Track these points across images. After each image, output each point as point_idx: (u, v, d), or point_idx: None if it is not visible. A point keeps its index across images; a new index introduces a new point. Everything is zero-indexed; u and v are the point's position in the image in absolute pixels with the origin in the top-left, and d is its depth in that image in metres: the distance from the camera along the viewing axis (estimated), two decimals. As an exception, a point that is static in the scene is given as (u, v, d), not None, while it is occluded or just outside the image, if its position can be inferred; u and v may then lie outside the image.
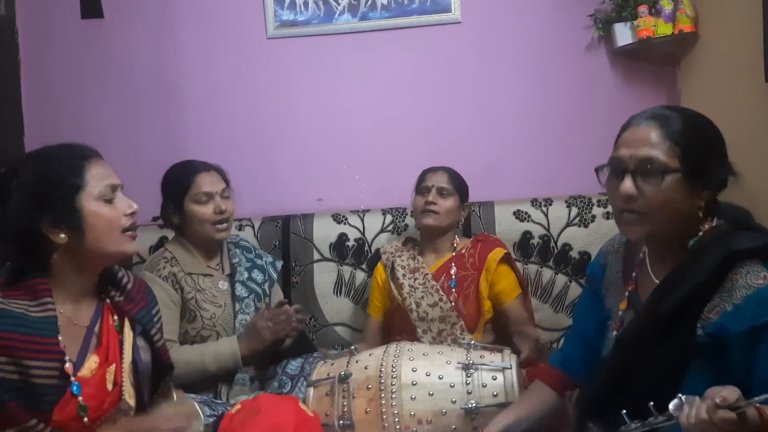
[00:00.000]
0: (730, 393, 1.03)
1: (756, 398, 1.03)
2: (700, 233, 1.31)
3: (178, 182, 2.12)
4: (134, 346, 1.46)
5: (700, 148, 1.29)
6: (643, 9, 2.44)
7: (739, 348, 1.21)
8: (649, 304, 1.32)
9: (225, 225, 2.11)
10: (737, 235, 1.27)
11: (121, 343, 1.44)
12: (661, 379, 1.15)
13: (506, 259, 2.24)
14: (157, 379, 1.54)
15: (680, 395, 1.09)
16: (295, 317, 2.03)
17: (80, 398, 1.33)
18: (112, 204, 1.39)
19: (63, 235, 1.34)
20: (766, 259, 1.23)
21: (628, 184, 1.29)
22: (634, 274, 1.44)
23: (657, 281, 1.35)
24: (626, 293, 1.43)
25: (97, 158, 1.42)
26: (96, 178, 1.37)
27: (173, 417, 1.40)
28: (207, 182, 2.10)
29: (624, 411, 1.18)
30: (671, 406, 1.09)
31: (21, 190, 1.33)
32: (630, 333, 1.35)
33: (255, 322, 2.03)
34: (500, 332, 2.25)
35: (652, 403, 1.12)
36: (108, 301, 1.47)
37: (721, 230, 1.30)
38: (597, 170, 1.38)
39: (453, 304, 2.16)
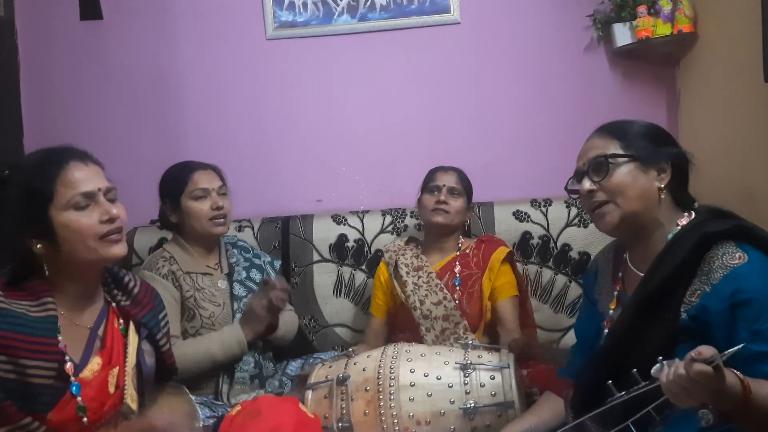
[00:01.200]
0: (705, 348, 1.06)
1: (728, 350, 1.06)
2: (678, 227, 1.39)
3: (176, 180, 2.14)
4: (139, 350, 1.46)
5: (641, 135, 1.43)
6: (642, 9, 2.43)
7: (720, 327, 1.26)
8: (635, 292, 1.39)
9: (222, 220, 2.12)
10: (712, 221, 1.36)
11: (125, 346, 1.44)
12: (649, 366, 1.16)
13: (508, 259, 2.25)
14: (160, 383, 1.54)
15: (661, 358, 1.12)
16: (279, 286, 2.03)
17: (79, 399, 1.33)
18: (87, 211, 1.35)
19: (40, 246, 1.33)
20: (739, 240, 1.31)
21: (585, 183, 1.43)
22: (620, 274, 1.50)
23: (641, 274, 1.41)
24: (615, 293, 1.49)
25: (76, 162, 1.37)
26: (67, 186, 1.33)
27: (172, 417, 1.39)
28: (204, 179, 2.12)
29: (610, 381, 1.20)
30: (653, 370, 1.12)
31: (6, 200, 1.33)
32: (618, 323, 1.41)
33: (249, 303, 2.06)
34: (494, 329, 2.24)
35: (635, 369, 1.15)
36: (114, 305, 1.47)
37: (696, 220, 1.38)
38: (567, 191, 1.52)
39: (457, 302, 2.17)
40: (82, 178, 1.36)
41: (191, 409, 1.46)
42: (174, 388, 1.54)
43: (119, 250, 1.39)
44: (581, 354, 1.61)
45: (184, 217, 2.12)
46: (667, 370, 1.10)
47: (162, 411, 1.39)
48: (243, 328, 2.04)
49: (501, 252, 2.23)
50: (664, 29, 2.41)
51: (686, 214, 1.41)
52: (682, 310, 1.31)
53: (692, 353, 1.06)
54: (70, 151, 1.40)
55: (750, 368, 1.16)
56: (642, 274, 1.41)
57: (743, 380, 1.10)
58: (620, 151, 1.40)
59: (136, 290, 1.50)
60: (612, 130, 1.45)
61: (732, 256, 1.29)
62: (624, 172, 1.39)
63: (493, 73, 2.69)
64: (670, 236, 1.38)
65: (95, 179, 1.38)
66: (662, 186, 1.39)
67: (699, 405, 1.08)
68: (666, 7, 2.40)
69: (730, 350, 1.06)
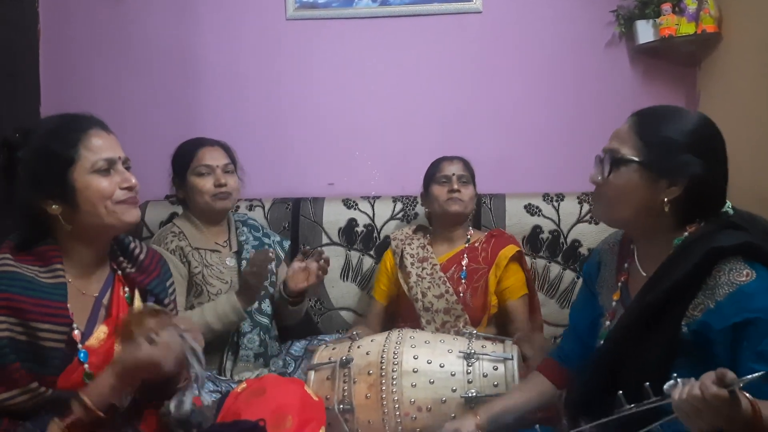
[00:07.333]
0: (724, 371, 1.04)
1: (750, 376, 1.03)
2: (686, 233, 1.33)
3: (183, 156, 2.17)
4: None
5: (669, 140, 1.32)
6: (666, 7, 2.41)
7: (722, 345, 1.22)
8: (637, 298, 1.36)
9: (224, 196, 2.12)
10: (721, 233, 1.29)
11: None
12: (646, 376, 1.15)
13: (517, 258, 2.24)
14: None
15: (676, 375, 1.10)
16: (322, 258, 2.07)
17: (86, 366, 1.34)
18: (109, 176, 1.38)
19: (56, 207, 1.35)
20: (749, 257, 1.25)
21: (592, 172, 1.41)
22: (626, 265, 1.47)
23: (644, 274, 1.38)
24: (618, 284, 1.46)
25: (98, 129, 1.41)
26: (91, 151, 1.37)
27: (168, 342, 1.30)
28: (209, 156, 2.14)
29: (621, 392, 1.18)
30: (666, 386, 1.10)
31: (23, 160, 1.35)
32: (618, 327, 1.38)
33: (243, 271, 2.05)
34: (502, 328, 2.24)
35: (648, 383, 1.13)
36: (120, 273, 1.48)
37: (706, 229, 1.32)
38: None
39: (461, 295, 2.17)
40: (104, 145, 1.40)
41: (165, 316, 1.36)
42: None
43: (136, 213, 1.44)
44: (571, 339, 1.61)
45: (189, 192, 2.14)
46: (680, 388, 1.07)
47: (147, 337, 1.28)
48: (239, 295, 2.01)
49: (510, 250, 2.22)
50: (687, 28, 2.38)
51: (697, 220, 1.34)
52: (683, 323, 1.26)
53: (710, 376, 1.03)
54: (91, 118, 1.44)
55: (752, 388, 1.11)
56: (644, 273, 1.38)
57: (754, 403, 1.06)
58: (634, 155, 1.32)
59: (141, 257, 1.52)
60: (642, 123, 1.36)
61: (739, 273, 1.23)
62: (626, 178, 1.33)
63: (511, 64, 2.67)
64: (676, 242, 1.33)
65: (116, 147, 1.42)
66: (667, 199, 1.31)
67: (709, 429, 1.04)
68: (691, 6, 2.37)
69: (749, 376, 1.03)
